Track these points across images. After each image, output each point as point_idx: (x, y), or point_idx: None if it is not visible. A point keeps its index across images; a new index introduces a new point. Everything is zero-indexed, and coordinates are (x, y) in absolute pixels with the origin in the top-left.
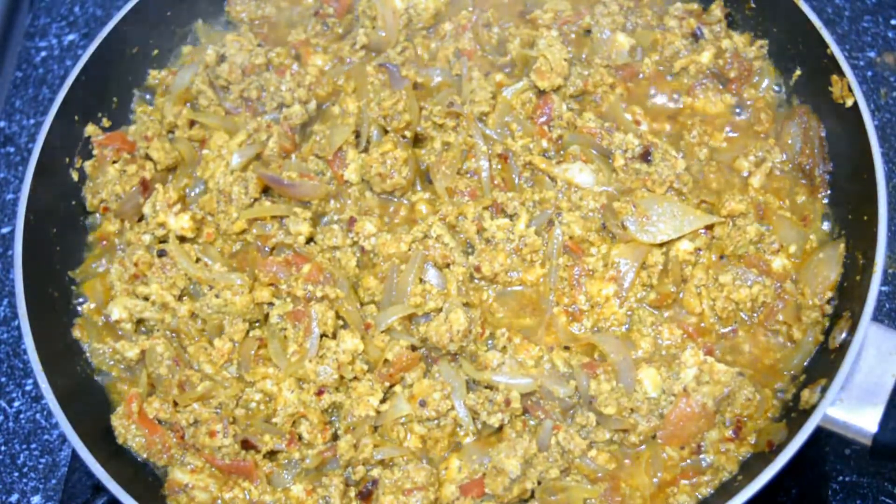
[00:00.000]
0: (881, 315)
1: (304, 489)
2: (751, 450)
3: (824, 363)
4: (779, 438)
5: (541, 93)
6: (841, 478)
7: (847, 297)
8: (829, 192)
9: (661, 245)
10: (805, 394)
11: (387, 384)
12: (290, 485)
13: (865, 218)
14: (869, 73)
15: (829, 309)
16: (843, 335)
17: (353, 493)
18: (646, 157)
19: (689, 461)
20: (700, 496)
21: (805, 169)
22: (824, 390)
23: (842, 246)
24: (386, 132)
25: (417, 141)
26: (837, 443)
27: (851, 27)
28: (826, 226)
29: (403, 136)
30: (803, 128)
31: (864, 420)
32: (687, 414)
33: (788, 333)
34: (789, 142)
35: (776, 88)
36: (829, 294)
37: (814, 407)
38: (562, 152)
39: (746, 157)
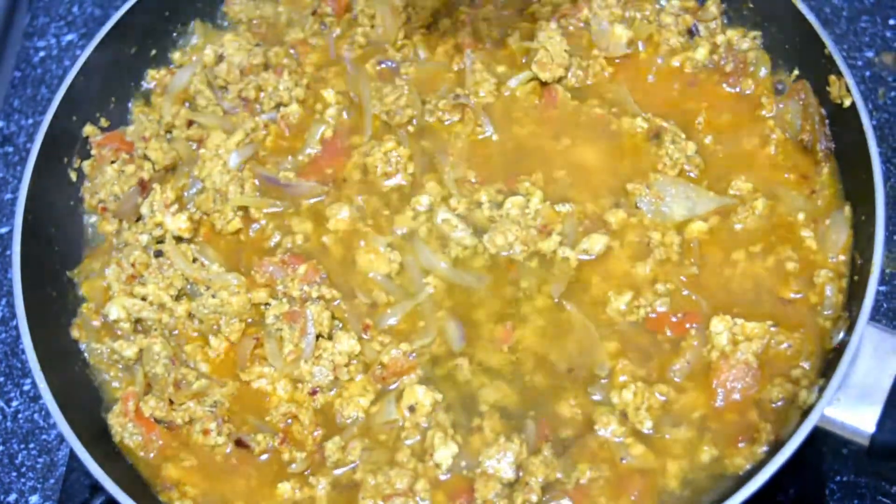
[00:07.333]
0: (879, 315)
1: (291, 488)
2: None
3: (822, 363)
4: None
5: (543, 84)
6: (839, 478)
7: (845, 297)
8: (829, 165)
9: (674, 225)
10: (802, 394)
11: (379, 386)
12: (278, 483)
13: (863, 218)
14: (867, 73)
15: (844, 271)
16: (841, 335)
17: (337, 495)
18: (656, 140)
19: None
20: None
21: (807, 145)
22: (822, 390)
23: (846, 208)
24: (389, 128)
25: (423, 135)
26: (835, 443)
27: (849, 27)
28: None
29: (407, 132)
30: (802, 104)
31: (861, 420)
32: (733, 376)
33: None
34: (789, 118)
35: (775, 82)
36: (843, 257)
37: (811, 407)
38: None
39: (750, 139)
